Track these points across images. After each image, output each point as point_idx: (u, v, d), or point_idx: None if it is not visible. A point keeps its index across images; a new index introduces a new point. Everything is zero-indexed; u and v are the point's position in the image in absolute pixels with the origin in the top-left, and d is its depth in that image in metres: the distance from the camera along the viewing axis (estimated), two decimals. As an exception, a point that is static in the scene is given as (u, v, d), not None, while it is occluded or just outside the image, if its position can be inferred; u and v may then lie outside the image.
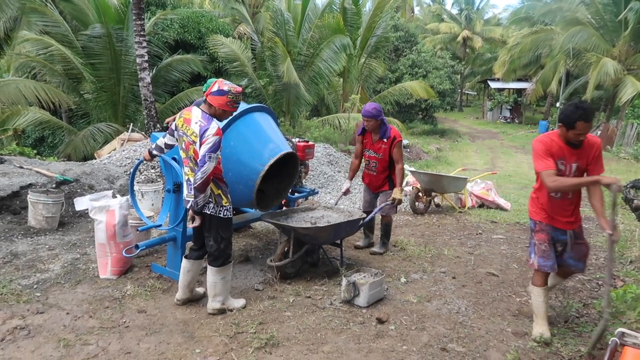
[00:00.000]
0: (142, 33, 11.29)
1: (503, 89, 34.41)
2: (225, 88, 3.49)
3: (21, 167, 6.46)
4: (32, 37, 13.51)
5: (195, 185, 3.34)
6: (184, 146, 3.57)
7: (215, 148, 3.36)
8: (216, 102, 3.49)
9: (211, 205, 3.52)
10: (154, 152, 4.00)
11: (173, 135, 3.83)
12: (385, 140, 5.16)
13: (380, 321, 3.68)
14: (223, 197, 3.59)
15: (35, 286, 3.98)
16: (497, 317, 3.91)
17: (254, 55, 16.96)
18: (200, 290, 4.02)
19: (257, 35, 17.22)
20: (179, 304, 3.82)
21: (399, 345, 3.34)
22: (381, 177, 5.32)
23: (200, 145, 3.37)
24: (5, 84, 12.47)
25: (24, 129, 13.87)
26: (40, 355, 3.02)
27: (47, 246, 4.93)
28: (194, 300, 3.92)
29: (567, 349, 3.38)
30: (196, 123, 3.46)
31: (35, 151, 12.22)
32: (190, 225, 3.58)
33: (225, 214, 3.59)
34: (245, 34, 19.33)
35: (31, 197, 5.44)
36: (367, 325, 3.64)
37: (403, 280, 4.64)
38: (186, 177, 3.61)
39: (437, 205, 8.26)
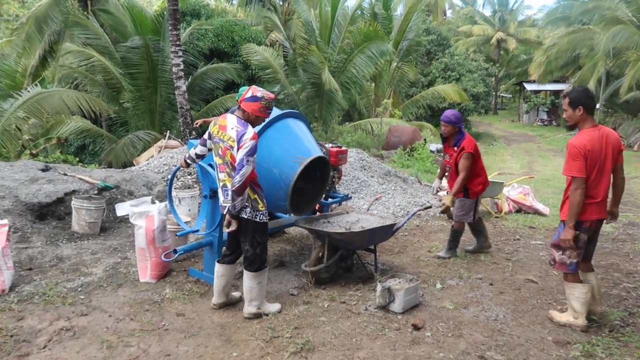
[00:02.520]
0: (178, 43, 11.59)
1: (539, 91, 33.59)
2: (259, 94, 3.58)
3: (65, 175, 6.72)
4: (74, 49, 14.07)
5: (234, 189, 3.41)
6: (220, 152, 3.64)
7: (252, 152, 3.44)
8: (250, 108, 3.57)
9: (248, 209, 3.57)
10: (188, 161, 4.12)
11: (205, 145, 3.93)
12: (455, 148, 5.30)
13: (416, 327, 3.65)
14: (259, 201, 3.65)
15: (79, 289, 4.13)
16: (537, 325, 3.81)
17: (286, 62, 17.14)
18: (236, 294, 4.08)
19: (289, 42, 17.40)
20: (216, 308, 3.89)
21: (435, 353, 3.30)
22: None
23: (238, 150, 3.45)
24: (50, 94, 13.00)
25: (67, 138, 14.41)
26: (85, 356, 3.13)
27: (90, 250, 5.11)
28: (231, 304, 3.98)
29: (612, 359, 3.26)
30: (232, 129, 3.54)
31: (77, 159, 12.70)
32: (227, 230, 3.64)
33: (261, 218, 3.64)
34: (277, 41, 19.55)
35: (75, 203, 5.65)
36: (402, 331, 3.61)
37: (439, 286, 4.59)
38: (222, 183, 3.68)
39: (473, 211, 8.09)
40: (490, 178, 8.44)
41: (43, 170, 6.86)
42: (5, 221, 4.16)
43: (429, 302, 4.17)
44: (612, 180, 3.71)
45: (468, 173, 5.22)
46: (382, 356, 3.23)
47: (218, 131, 3.66)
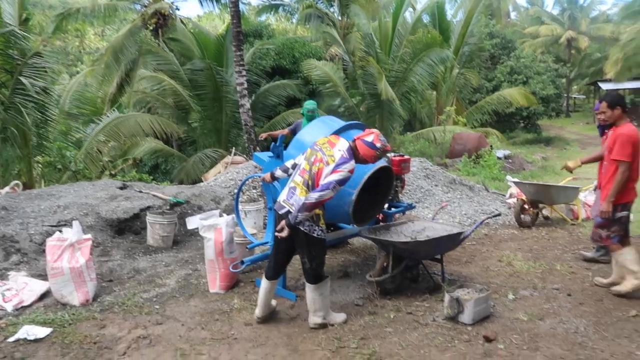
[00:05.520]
0: (241, 63, 12.05)
1: (617, 90, 31.45)
2: (379, 145, 3.64)
3: (140, 192, 7.13)
4: (147, 74, 15.05)
5: (307, 203, 3.42)
6: (312, 159, 3.65)
7: (343, 182, 3.49)
8: (363, 151, 3.64)
9: (307, 223, 3.56)
10: (278, 174, 4.12)
11: (286, 172, 4.02)
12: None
13: (487, 339, 3.49)
14: (321, 218, 3.65)
15: (154, 299, 4.35)
16: (624, 339, 3.53)
17: (345, 75, 17.28)
18: (273, 302, 4.05)
19: (348, 55, 17.55)
20: (259, 321, 3.86)
21: (509, 366, 3.15)
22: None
23: (332, 172, 3.48)
24: (126, 118, 13.94)
25: (142, 158, 15.33)
26: (160, 362, 3.28)
27: (163, 263, 5.37)
28: (271, 312, 3.96)
29: None
30: (339, 150, 3.59)
31: (151, 177, 13.45)
32: (278, 234, 3.61)
33: (319, 234, 3.63)
34: (336, 55, 19.78)
35: (149, 218, 5.97)
36: (473, 343, 3.47)
37: (511, 297, 4.37)
38: (292, 184, 3.70)
39: (546, 218, 7.69)
40: (564, 183, 8.03)
41: (121, 189, 7.32)
42: (88, 236, 4.47)
43: (500, 314, 3.99)
44: None
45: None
46: (452, 368, 3.13)
47: (324, 143, 3.71)
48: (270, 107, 16.03)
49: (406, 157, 5.68)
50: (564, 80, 33.09)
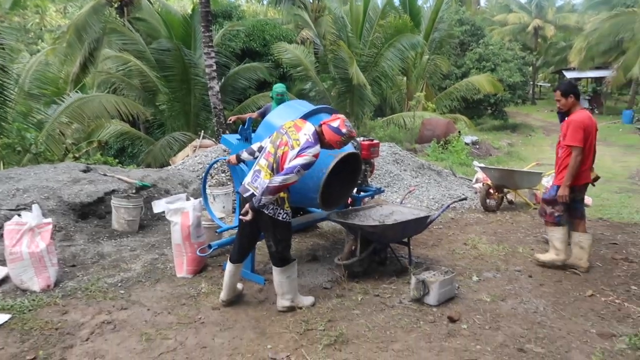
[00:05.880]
0: (210, 44, 11.78)
1: (580, 79, 32.29)
2: (344, 131, 3.60)
3: (105, 175, 6.94)
4: (112, 54, 14.55)
5: (270, 186, 3.39)
6: (278, 143, 3.62)
7: (307, 166, 3.46)
8: (329, 136, 3.60)
9: (271, 206, 3.53)
10: (244, 157, 4.07)
11: (252, 155, 3.98)
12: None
13: (451, 320, 3.58)
14: (286, 201, 3.62)
15: (119, 284, 4.26)
16: (580, 318, 3.67)
17: (317, 59, 17.15)
18: (239, 286, 4.05)
19: (319, 39, 17.41)
20: (225, 304, 3.86)
21: (472, 345, 3.23)
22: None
23: (297, 156, 3.45)
24: (90, 99, 13.47)
25: (107, 141, 14.89)
26: (124, 348, 3.23)
27: (129, 247, 5.26)
28: (237, 298, 3.96)
29: (662, 353, 3.11)
30: (305, 135, 3.55)
31: (117, 161, 13.10)
32: (242, 218, 3.58)
33: (284, 217, 3.60)
34: (308, 38, 19.59)
35: (114, 202, 5.83)
36: (438, 324, 3.55)
37: (475, 278, 4.49)
38: (258, 167, 3.66)
39: (510, 202, 7.91)
40: (527, 168, 8.24)
41: (84, 172, 7.11)
42: (49, 220, 4.33)
43: (465, 295, 4.09)
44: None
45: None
46: (417, 349, 3.19)
47: (290, 127, 3.67)
48: (240, 90, 15.79)
49: (375, 141, 5.70)
50: (530, 68, 33.81)
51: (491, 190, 7.55)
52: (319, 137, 3.59)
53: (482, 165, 8.80)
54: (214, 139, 11.66)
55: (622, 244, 5.71)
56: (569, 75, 32.20)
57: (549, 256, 4.84)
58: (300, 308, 3.79)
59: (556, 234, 4.77)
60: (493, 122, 25.79)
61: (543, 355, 3.10)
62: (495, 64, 24.32)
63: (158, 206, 4.90)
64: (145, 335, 3.35)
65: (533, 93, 40.14)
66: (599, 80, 30.60)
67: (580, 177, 4.60)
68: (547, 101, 40.94)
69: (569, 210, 4.78)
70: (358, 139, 5.61)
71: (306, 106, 4.73)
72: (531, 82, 37.15)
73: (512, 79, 23.95)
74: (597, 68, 29.39)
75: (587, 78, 32.24)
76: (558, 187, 4.64)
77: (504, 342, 3.28)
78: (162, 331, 3.43)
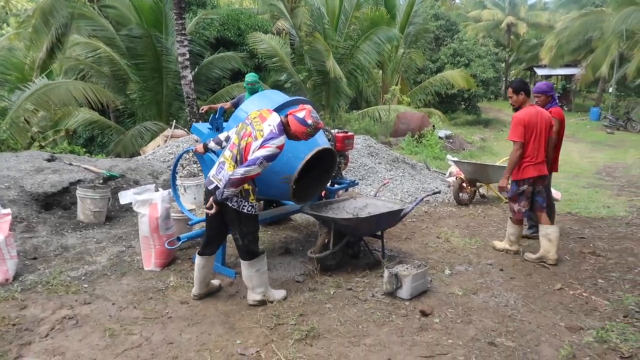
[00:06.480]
0: (183, 32, 11.50)
1: (550, 76, 32.99)
2: (310, 122, 3.50)
3: (70, 164, 6.70)
4: (81, 40, 14.05)
5: (233, 178, 3.30)
6: (242, 134, 3.53)
7: (271, 158, 3.36)
8: (294, 127, 3.51)
9: (235, 199, 3.43)
10: (211, 146, 3.95)
11: (220, 145, 3.87)
12: None
13: (424, 314, 3.56)
14: (251, 194, 3.52)
15: (83, 278, 4.10)
16: (549, 311, 3.71)
17: (292, 50, 16.97)
18: (215, 282, 3.98)
19: (295, 30, 17.22)
20: (196, 299, 3.77)
21: (444, 339, 3.22)
22: None
23: (260, 148, 3.35)
24: (57, 86, 13.01)
25: (75, 130, 14.44)
26: (87, 344, 3.09)
27: (94, 239, 5.08)
28: (210, 293, 3.87)
29: (627, 345, 3.15)
30: (269, 125, 3.45)
31: (85, 150, 12.71)
32: (207, 211, 3.49)
33: (249, 209, 3.51)
34: (283, 29, 19.36)
35: (79, 192, 5.62)
36: (410, 318, 3.53)
37: (447, 272, 4.49)
38: (222, 159, 3.57)
39: (482, 196, 7.99)
40: (500, 163, 8.33)
41: (49, 161, 6.85)
42: (8, 210, 4.13)
43: (437, 289, 4.08)
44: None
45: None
46: (389, 343, 3.16)
47: (255, 117, 3.57)
48: (214, 80, 15.52)
49: (350, 133, 5.65)
50: (503, 64, 34.30)
51: (464, 184, 7.60)
52: (284, 128, 3.50)
53: (456, 159, 8.86)
54: (186, 129, 11.42)
55: (590, 237, 5.82)
56: (540, 72, 32.90)
57: (502, 245, 5.21)
58: (272, 302, 3.72)
59: (512, 230, 5.07)
60: (466, 117, 26.09)
61: (513, 349, 3.11)
62: (470, 60, 24.55)
63: (125, 197, 4.74)
64: (109, 331, 3.22)
65: (505, 89, 40.81)
66: (568, 78, 31.32)
67: (524, 171, 4.80)
68: (519, 97, 41.49)
69: (531, 204, 4.97)
70: (333, 131, 5.55)
71: (281, 97, 4.63)
72: (504, 79, 37.75)
73: (485, 74, 24.22)
74: (567, 66, 30.07)
75: (557, 75, 32.95)
76: (516, 182, 4.89)
77: (475, 336, 3.28)
78: (127, 326, 3.31)
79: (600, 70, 24.84)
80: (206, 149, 3.99)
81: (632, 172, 12.52)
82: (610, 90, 26.54)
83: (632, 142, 19.36)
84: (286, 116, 3.55)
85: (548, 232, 4.82)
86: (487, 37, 33.96)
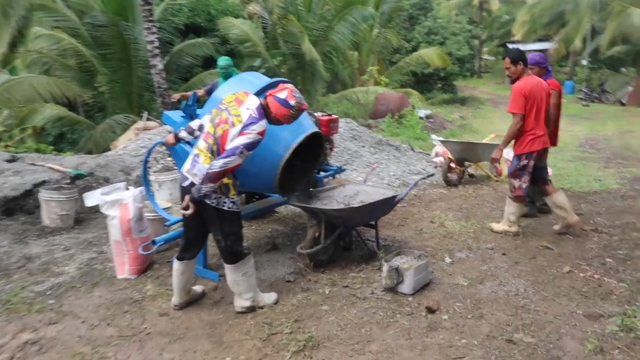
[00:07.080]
0: (151, 19, 10.88)
1: (524, 52, 33.01)
2: (293, 102, 3.09)
3: (33, 164, 6.18)
4: (43, 32, 13.29)
5: (210, 172, 2.89)
6: (217, 121, 3.11)
7: (252, 146, 2.95)
8: (275, 109, 3.09)
9: (214, 195, 3.03)
10: (182, 135, 3.51)
11: (191, 134, 3.46)
12: None
13: (430, 310, 3.25)
14: (232, 188, 3.13)
15: (49, 292, 3.66)
16: (563, 298, 3.44)
17: (265, 35, 16.44)
18: (197, 288, 3.60)
19: (267, 13, 16.64)
20: (177, 309, 3.38)
21: (456, 339, 2.91)
22: None
23: (240, 135, 2.95)
24: (19, 81, 12.30)
25: (43, 127, 13.72)
26: (53, 372, 2.70)
27: (62, 246, 4.62)
28: (193, 301, 3.49)
29: (654, 332, 2.91)
30: (248, 109, 3.03)
31: (54, 147, 12.03)
32: (183, 212, 3.08)
33: (229, 206, 3.11)
34: (255, 13, 18.74)
35: (43, 195, 5.14)
36: (416, 316, 3.21)
37: (448, 260, 4.20)
38: (196, 151, 3.15)
39: (471, 176, 7.73)
40: (487, 140, 8.08)
41: (9, 162, 6.33)
42: (-43, 221, 3.66)
43: (440, 280, 3.78)
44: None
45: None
46: (397, 348, 2.84)
47: (231, 101, 3.14)
48: (186, 68, 14.93)
49: (334, 116, 5.29)
50: (477, 41, 34.17)
51: (452, 165, 7.32)
52: (264, 112, 3.10)
53: (442, 138, 8.59)
54: (158, 121, 10.86)
55: (588, 213, 5.61)
56: (513, 48, 32.84)
57: (501, 227, 4.89)
58: (262, 307, 3.35)
59: (512, 209, 4.79)
60: (443, 96, 25.86)
61: (534, 346, 2.82)
62: (444, 38, 24.27)
63: (91, 198, 4.30)
64: (78, 356, 2.81)
65: (479, 67, 40.78)
66: (542, 52, 31.37)
67: (527, 144, 4.58)
68: (493, 74, 41.71)
69: (534, 178, 4.75)
70: (316, 114, 5.17)
71: (260, 79, 4.21)
72: (478, 56, 37.66)
73: (460, 52, 24.00)
74: (540, 40, 30.04)
75: (530, 50, 32.93)
76: (518, 156, 4.65)
77: (491, 332, 2.98)
78: (99, 348, 2.90)
79: (574, 43, 24.90)
80: (177, 139, 3.54)
81: (613, 143, 12.50)
82: (584, 62, 26.64)
83: (608, 113, 19.48)
84: (265, 98, 3.14)
85: (556, 200, 4.73)
86: (459, 15, 33.70)
